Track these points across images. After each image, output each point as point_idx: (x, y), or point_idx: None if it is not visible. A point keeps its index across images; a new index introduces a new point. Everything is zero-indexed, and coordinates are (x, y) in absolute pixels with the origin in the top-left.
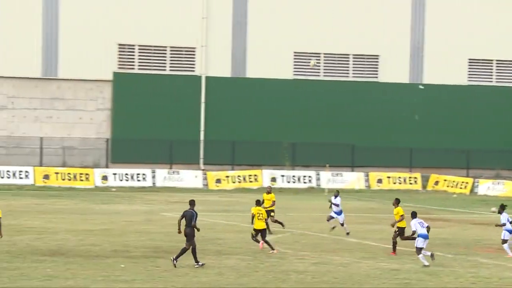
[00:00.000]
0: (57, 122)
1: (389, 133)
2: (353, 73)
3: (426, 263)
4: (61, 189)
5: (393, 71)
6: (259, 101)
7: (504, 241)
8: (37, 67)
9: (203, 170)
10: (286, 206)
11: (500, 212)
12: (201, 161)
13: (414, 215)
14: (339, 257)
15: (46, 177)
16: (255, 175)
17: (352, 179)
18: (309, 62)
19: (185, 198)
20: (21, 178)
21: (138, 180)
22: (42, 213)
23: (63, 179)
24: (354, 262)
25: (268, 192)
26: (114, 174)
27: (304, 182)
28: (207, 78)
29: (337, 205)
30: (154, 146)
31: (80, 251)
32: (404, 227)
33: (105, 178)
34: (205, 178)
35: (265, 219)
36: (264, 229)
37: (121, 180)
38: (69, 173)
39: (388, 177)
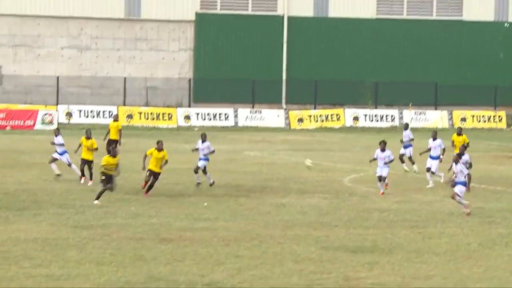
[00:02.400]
0: (140, 62)
1: (473, 71)
2: (437, 12)
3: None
4: (144, 129)
5: (478, 9)
6: (341, 41)
7: None
8: (120, 8)
9: (285, 109)
10: (369, 145)
11: None
12: (283, 100)
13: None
14: (421, 195)
15: (130, 116)
16: (337, 114)
17: (435, 117)
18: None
19: (267, 138)
20: (105, 117)
21: (221, 120)
22: (126, 152)
23: (146, 119)
24: (437, 201)
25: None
26: (197, 113)
27: (387, 121)
28: (289, 18)
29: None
30: (236, 85)
31: (164, 190)
32: None
33: (187, 117)
34: (287, 118)
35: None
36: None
37: (203, 120)
38: (152, 113)
39: (472, 116)
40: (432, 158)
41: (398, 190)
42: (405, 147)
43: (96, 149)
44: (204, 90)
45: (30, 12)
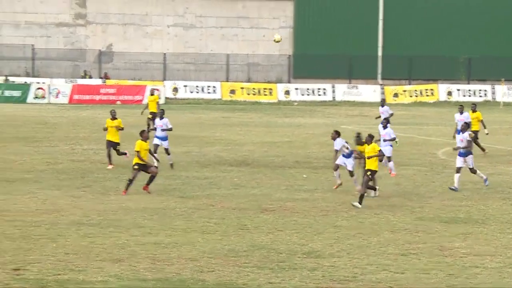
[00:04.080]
0: (242, 40)
1: None
2: None
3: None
4: (246, 103)
5: None
6: (435, 17)
7: None
8: None
9: (381, 84)
10: None
11: None
12: (379, 76)
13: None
14: (506, 167)
15: (232, 92)
16: (431, 89)
17: None
18: None
19: (363, 112)
20: (209, 93)
21: (319, 95)
22: (229, 126)
23: (248, 94)
24: None
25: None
26: (296, 89)
27: (480, 96)
28: None
29: None
30: (334, 61)
31: (265, 162)
32: None
33: (287, 92)
34: (382, 93)
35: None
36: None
37: (302, 95)
38: (253, 88)
39: None
40: None
41: (491, 163)
42: None
43: (122, 128)
44: (303, 66)
45: None
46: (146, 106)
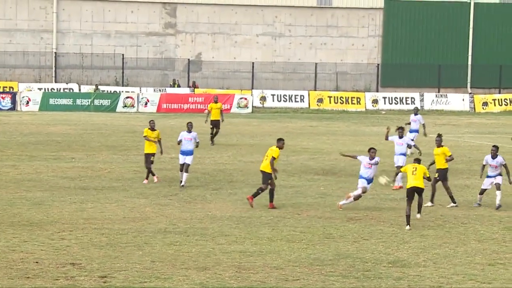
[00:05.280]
0: (330, 48)
1: None
2: None
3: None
4: (333, 112)
5: None
6: None
7: None
8: None
9: (470, 93)
10: None
11: None
12: (468, 84)
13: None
14: None
15: (320, 100)
16: None
17: None
18: None
19: (452, 121)
20: (296, 101)
21: (407, 104)
22: (316, 135)
23: (336, 103)
24: None
25: None
26: (384, 97)
27: None
28: (476, 4)
29: None
30: (422, 70)
31: (351, 171)
32: None
33: (375, 101)
34: (472, 101)
35: None
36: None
37: (390, 104)
38: (341, 97)
39: None
40: None
41: None
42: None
43: (160, 140)
44: (391, 74)
45: (228, 1)
46: (208, 113)
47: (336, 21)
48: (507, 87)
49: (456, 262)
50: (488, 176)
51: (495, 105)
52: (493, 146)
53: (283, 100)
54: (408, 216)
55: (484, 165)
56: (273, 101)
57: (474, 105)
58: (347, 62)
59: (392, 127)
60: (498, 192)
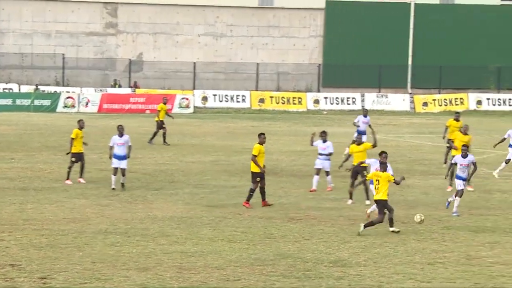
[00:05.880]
0: (272, 48)
1: None
2: None
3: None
4: (275, 112)
5: None
6: (465, 27)
7: None
8: None
9: (410, 93)
10: (491, 128)
11: None
12: (409, 85)
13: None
14: None
15: (262, 101)
16: (461, 98)
17: None
18: None
19: (392, 121)
20: (238, 101)
21: (348, 104)
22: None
23: (277, 103)
24: None
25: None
26: (325, 98)
27: (510, 105)
28: (416, 5)
29: None
30: (363, 70)
31: (293, 171)
32: None
33: (316, 101)
34: (412, 102)
35: None
36: None
37: (331, 104)
38: (283, 97)
39: None
40: None
41: None
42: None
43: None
44: (332, 75)
45: (169, 1)
46: (158, 114)
47: (277, 21)
48: (447, 87)
49: (396, 261)
50: (458, 177)
51: (435, 105)
52: (463, 145)
53: (225, 100)
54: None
55: (452, 165)
56: (215, 101)
57: (414, 105)
58: (288, 62)
59: (316, 135)
60: (458, 199)
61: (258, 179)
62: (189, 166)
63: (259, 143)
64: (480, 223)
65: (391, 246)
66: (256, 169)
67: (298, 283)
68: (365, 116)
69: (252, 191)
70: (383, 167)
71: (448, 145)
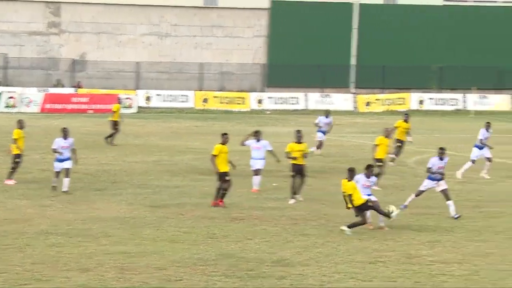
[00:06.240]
0: (216, 48)
1: None
2: None
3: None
4: (219, 112)
5: None
6: (408, 27)
7: None
8: None
9: (353, 93)
10: (433, 127)
11: None
12: (352, 84)
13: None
14: (483, 176)
15: (205, 100)
16: (404, 98)
17: (498, 101)
18: None
19: (335, 121)
20: (182, 101)
21: (292, 104)
22: (201, 135)
23: (221, 103)
24: (498, 181)
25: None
26: (269, 97)
27: (451, 105)
28: (360, 5)
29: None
30: (307, 70)
31: (236, 171)
32: None
33: (260, 101)
34: (355, 101)
35: None
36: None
37: (275, 104)
38: (226, 97)
39: None
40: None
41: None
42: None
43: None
44: (276, 75)
45: (113, 0)
46: (113, 114)
47: (221, 21)
48: (390, 87)
49: (338, 261)
50: (430, 178)
51: (378, 105)
52: (440, 148)
53: (169, 100)
54: (355, 224)
55: (429, 168)
56: (159, 101)
57: (357, 105)
58: (232, 62)
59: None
60: (450, 202)
61: (225, 177)
62: (132, 166)
63: (221, 143)
64: (421, 222)
65: (333, 245)
66: (223, 169)
67: (240, 282)
68: (326, 116)
69: (224, 189)
70: (351, 175)
71: (398, 144)
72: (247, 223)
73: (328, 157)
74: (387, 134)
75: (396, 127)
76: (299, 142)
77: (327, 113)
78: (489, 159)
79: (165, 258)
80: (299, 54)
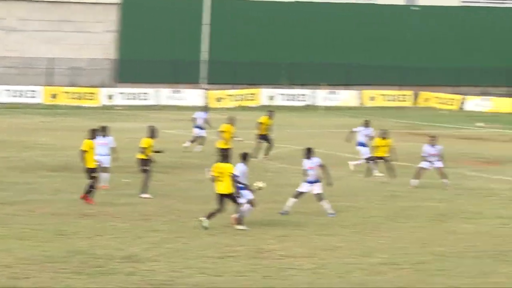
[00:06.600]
0: (66, 43)
1: (383, 52)
2: None
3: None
4: (68, 108)
5: None
6: (260, 23)
7: None
8: None
9: (205, 89)
10: (284, 123)
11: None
12: (204, 80)
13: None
14: (332, 171)
15: (54, 96)
16: (254, 94)
17: (346, 97)
18: None
19: (187, 116)
20: (30, 97)
21: (143, 99)
22: (50, 131)
23: (71, 98)
24: (346, 176)
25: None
26: (120, 93)
27: (301, 100)
28: (212, 0)
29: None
30: (158, 66)
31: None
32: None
33: (111, 97)
34: (206, 97)
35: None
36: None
37: (126, 99)
38: (76, 92)
39: (381, 95)
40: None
41: None
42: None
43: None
44: (127, 70)
45: None
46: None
47: (71, 16)
48: (241, 83)
49: (188, 256)
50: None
51: (229, 101)
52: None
53: (17, 96)
54: (211, 213)
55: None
56: (6, 96)
57: (208, 101)
58: (83, 57)
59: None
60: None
61: (94, 174)
62: None
63: (89, 138)
64: (271, 217)
65: (183, 241)
66: (91, 165)
67: (89, 279)
68: (205, 112)
69: (91, 187)
70: (226, 158)
71: (260, 140)
72: (98, 220)
73: (179, 153)
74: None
75: (260, 123)
76: (152, 137)
77: (205, 109)
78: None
79: (13, 256)
80: (150, 50)
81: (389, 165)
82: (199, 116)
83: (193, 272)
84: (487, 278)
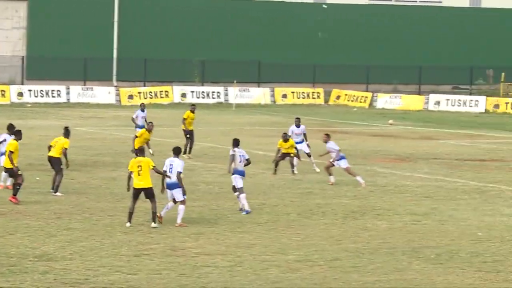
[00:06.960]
0: None
1: (294, 50)
2: None
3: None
4: None
5: None
6: (170, 20)
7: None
8: None
9: (116, 86)
10: (196, 120)
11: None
12: (114, 78)
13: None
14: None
15: None
16: (166, 91)
17: (258, 94)
18: None
19: (98, 114)
20: None
21: (53, 97)
22: None
23: None
24: (259, 173)
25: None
26: (30, 90)
27: (213, 98)
28: None
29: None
30: (69, 63)
31: None
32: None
33: (20, 94)
34: (117, 94)
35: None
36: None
37: (36, 97)
38: None
39: (293, 92)
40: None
41: (224, 163)
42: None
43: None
44: (37, 67)
45: None
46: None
47: None
48: (152, 80)
49: (102, 254)
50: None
51: (140, 98)
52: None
53: None
54: (130, 213)
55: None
56: None
57: (120, 98)
58: None
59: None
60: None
61: (19, 172)
62: None
63: (15, 139)
64: (185, 214)
65: (97, 239)
66: (8, 165)
67: (3, 278)
68: (142, 110)
69: (18, 185)
70: (141, 153)
71: (188, 135)
72: (9, 218)
73: (91, 150)
74: (149, 128)
75: (184, 119)
76: (66, 136)
77: (142, 107)
78: (308, 154)
79: None
80: (60, 47)
81: (292, 161)
82: (139, 115)
83: (107, 271)
84: (401, 274)
